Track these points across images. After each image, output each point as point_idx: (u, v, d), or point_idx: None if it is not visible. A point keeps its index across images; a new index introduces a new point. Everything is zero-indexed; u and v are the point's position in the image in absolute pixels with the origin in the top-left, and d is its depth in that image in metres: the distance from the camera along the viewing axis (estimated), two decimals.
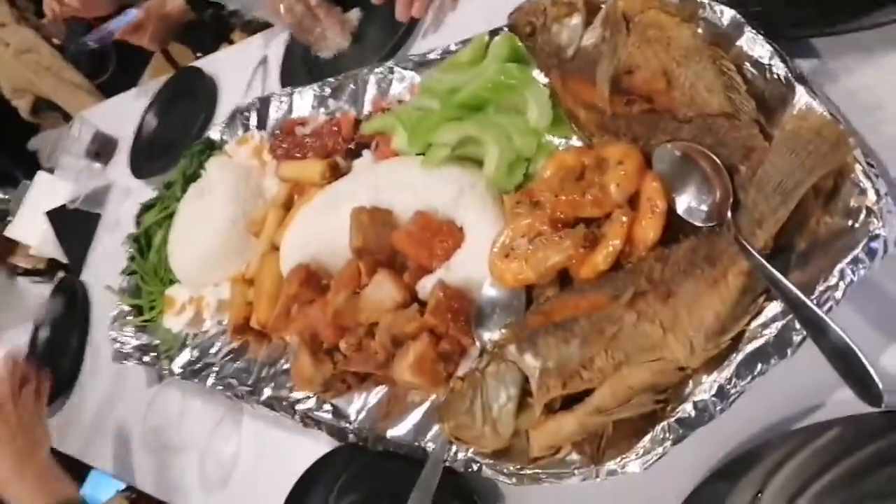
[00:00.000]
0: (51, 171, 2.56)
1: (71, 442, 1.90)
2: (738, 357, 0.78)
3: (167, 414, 1.61)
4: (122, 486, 1.70)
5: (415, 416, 1.07)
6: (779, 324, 0.77)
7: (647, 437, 0.81)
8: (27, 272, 2.50)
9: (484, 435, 0.90)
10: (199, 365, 1.49)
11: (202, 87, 2.12)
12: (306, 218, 1.33)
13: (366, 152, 1.40)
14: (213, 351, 1.49)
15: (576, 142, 1.08)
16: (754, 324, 0.79)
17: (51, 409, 2.01)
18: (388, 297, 1.12)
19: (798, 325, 0.74)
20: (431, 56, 1.36)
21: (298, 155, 1.51)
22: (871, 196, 0.75)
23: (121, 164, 2.33)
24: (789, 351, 0.75)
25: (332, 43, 1.72)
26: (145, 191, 2.06)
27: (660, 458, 0.80)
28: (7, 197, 2.65)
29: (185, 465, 1.48)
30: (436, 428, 1.03)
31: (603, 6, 1.00)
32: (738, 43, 0.90)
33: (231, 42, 2.61)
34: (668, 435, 0.80)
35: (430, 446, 1.02)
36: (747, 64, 0.89)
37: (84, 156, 2.42)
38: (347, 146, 1.44)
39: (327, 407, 1.19)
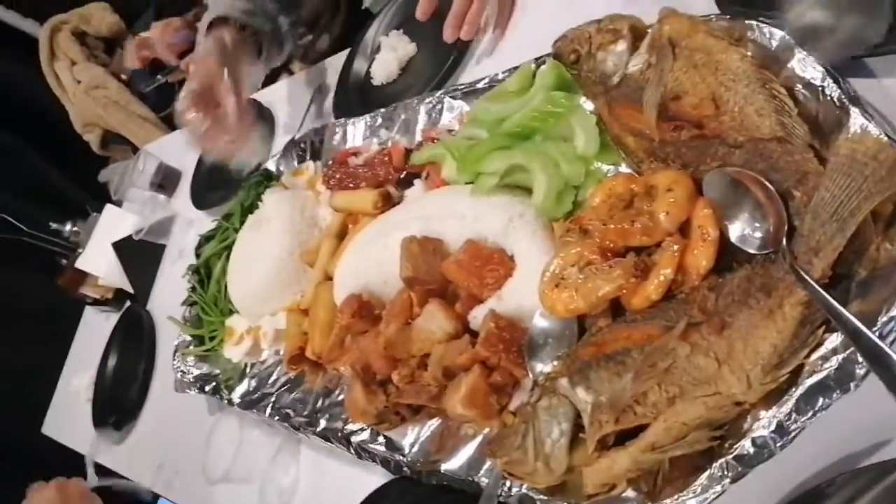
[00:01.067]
0: (119, 203, 2.64)
1: (138, 469, 1.95)
2: (798, 391, 0.75)
3: (228, 443, 1.63)
4: None
5: (468, 450, 1.06)
6: (840, 356, 0.74)
7: (705, 475, 0.79)
8: (96, 302, 2.57)
9: (537, 471, 0.89)
10: (256, 395, 1.50)
11: (260, 118, 2.16)
12: (358, 248, 1.34)
13: (417, 182, 1.41)
14: (270, 381, 1.51)
15: (624, 168, 1.06)
16: (814, 356, 0.76)
17: (117, 436, 2.08)
18: (440, 328, 1.12)
19: (861, 358, 0.71)
20: (480, 85, 1.36)
21: (351, 185, 1.53)
22: None
23: (184, 196, 2.39)
24: (852, 385, 0.73)
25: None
26: (207, 222, 2.10)
27: (718, 496, 0.78)
28: (77, 229, 2.74)
29: (246, 495, 1.50)
30: (489, 462, 1.01)
31: (649, 31, 0.99)
32: (788, 65, 0.88)
33: (291, 73, 2.66)
34: (726, 473, 0.77)
35: (484, 481, 1.01)
36: (799, 86, 0.87)
37: (149, 188, 2.49)
38: (399, 176, 1.45)
39: (381, 439, 1.19)
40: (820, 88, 0.84)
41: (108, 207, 2.61)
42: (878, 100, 0.85)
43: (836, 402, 0.73)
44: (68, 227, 2.76)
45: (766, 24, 0.91)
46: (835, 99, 0.83)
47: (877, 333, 0.70)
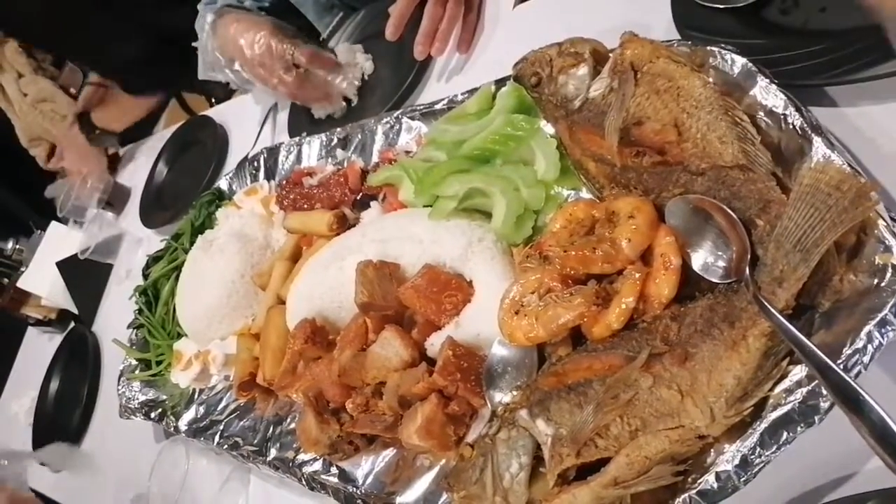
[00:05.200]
0: (65, 220, 2.56)
1: (80, 498, 1.87)
2: (762, 425, 0.74)
3: (174, 472, 1.57)
4: None
5: (424, 482, 1.03)
6: (804, 389, 0.73)
7: None
8: (38, 322, 2.48)
9: None
10: (205, 422, 1.45)
11: (212, 135, 2.12)
12: (312, 271, 1.31)
13: (373, 203, 1.38)
14: (219, 408, 1.46)
15: (585, 194, 1.05)
16: (778, 389, 0.75)
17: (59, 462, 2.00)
18: (396, 356, 1.09)
19: (825, 391, 0.70)
20: (438, 106, 1.34)
21: (306, 206, 1.49)
22: None
23: (133, 214, 2.33)
24: (816, 418, 0.72)
25: (337, 99, 1.71)
26: (156, 241, 2.05)
27: None
28: (20, 247, 2.65)
29: None
30: (446, 496, 0.98)
31: (611, 56, 0.97)
32: (751, 92, 0.87)
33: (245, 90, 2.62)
34: None
35: None
36: (761, 113, 0.86)
37: (96, 205, 2.42)
38: (355, 197, 1.42)
39: (334, 470, 1.15)
40: (782, 116, 0.84)
41: (54, 225, 2.53)
42: (840, 129, 0.85)
43: (800, 436, 0.72)
44: (10, 244, 2.68)
45: (728, 50, 0.91)
46: (797, 127, 0.82)
47: (842, 366, 0.69)
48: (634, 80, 0.92)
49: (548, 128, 1.10)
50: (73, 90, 3.47)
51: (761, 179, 0.82)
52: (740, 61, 0.89)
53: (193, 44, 1.83)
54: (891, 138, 0.83)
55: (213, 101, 2.73)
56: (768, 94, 0.86)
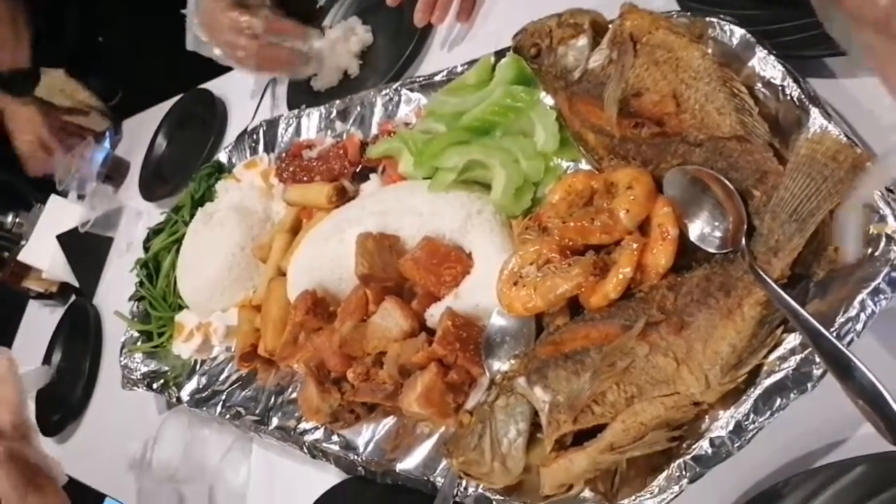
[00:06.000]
0: (64, 194, 2.56)
1: (83, 469, 1.89)
2: (756, 392, 0.75)
3: (177, 442, 1.59)
4: None
5: (424, 449, 1.05)
6: (798, 357, 0.74)
7: (663, 475, 0.78)
8: (40, 296, 2.49)
9: (493, 471, 0.87)
10: (206, 392, 1.47)
11: (211, 108, 2.11)
12: (312, 243, 1.31)
13: (373, 176, 1.38)
14: (221, 378, 1.47)
15: (584, 165, 1.05)
16: (772, 357, 0.76)
17: (62, 435, 2.01)
18: (396, 326, 1.10)
19: (818, 359, 0.71)
20: (438, 78, 1.34)
21: (305, 178, 1.49)
22: (892, 223, 0.72)
23: (133, 187, 2.32)
24: (809, 385, 0.73)
25: (303, 61, 1.71)
26: (156, 214, 2.05)
27: (675, 496, 0.77)
28: (20, 221, 2.65)
29: (195, 495, 1.46)
30: (445, 462, 1.00)
31: (610, 27, 0.98)
32: (749, 63, 0.88)
33: None
34: (684, 473, 0.77)
35: (440, 481, 0.99)
36: (759, 85, 0.87)
37: (96, 178, 2.42)
38: (354, 169, 1.42)
39: (336, 438, 1.17)
40: (780, 88, 0.84)
41: (53, 198, 2.52)
42: (838, 100, 0.85)
43: (793, 402, 0.73)
44: (10, 218, 2.67)
45: (727, 21, 0.91)
46: (795, 98, 0.82)
47: (834, 334, 0.70)
48: (633, 51, 0.93)
49: (547, 99, 1.11)
50: None
51: (758, 150, 0.83)
52: (739, 32, 0.90)
53: (182, 10, 1.81)
54: (887, 109, 0.84)
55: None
56: (766, 66, 0.86)
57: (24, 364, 2.36)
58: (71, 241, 2.32)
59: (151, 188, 2.20)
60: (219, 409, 1.41)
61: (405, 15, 1.52)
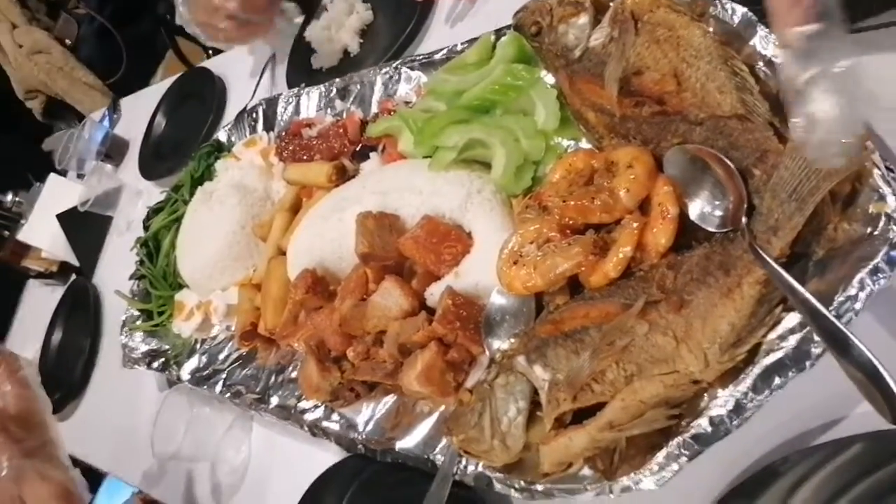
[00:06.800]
0: (64, 173, 2.55)
1: (84, 447, 1.90)
2: (755, 370, 0.75)
3: (177, 420, 1.59)
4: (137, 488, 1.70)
5: (424, 428, 1.05)
6: (797, 336, 0.74)
7: (662, 453, 0.78)
8: (40, 275, 2.49)
9: (493, 449, 0.88)
10: (207, 371, 1.47)
11: (210, 87, 2.10)
12: (312, 222, 1.31)
13: (373, 155, 1.38)
14: (221, 357, 1.48)
15: (585, 144, 1.05)
16: (771, 335, 0.76)
17: (62, 414, 2.02)
18: (396, 305, 1.10)
19: (817, 337, 0.72)
20: (438, 56, 1.34)
21: (305, 157, 1.49)
22: (891, 202, 0.72)
23: (132, 166, 2.32)
24: (808, 364, 0.73)
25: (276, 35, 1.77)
26: (156, 193, 2.05)
27: (675, 474, 0.77)
28: (19, 200, 2.64)
29: (196, 472, 1.47)
30: (445, 441, 1.00)
31: (611, 5, 0.97)
32: (750, 42, 0.87)
33: None
34: (683, 451, 0.77)
35: (440, 459, 1.00)
36: (760, 63, 0.86)
37: (95, 157, 2.41)
38: (354, 148, 1.42)
39: (336, 417, 1.17)
40: (781, 66, 0.84)
41: (52, 177, 2.52)
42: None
43: (792, 381, 0.73)
44: (10, 197, 2.66)
45: None
46: None
47: (833, 313, 0.70)
48: (635, 29, 0.92)
49: (548, 77, 1.10)
50: (68, 41, 3.43)
51: (759, 129, 0.83)
52: (741, 10, 0.89)
53: None
54: (888, 88, 0.83)
55: (210, 52, 2.69)
56: (768, 44, 0.86)
57: (24, 345, 2.39)
58: (71, 221, 2.32)
59: (151, 167, 2.19)
60: (219, 387, 1.41)
61: None
